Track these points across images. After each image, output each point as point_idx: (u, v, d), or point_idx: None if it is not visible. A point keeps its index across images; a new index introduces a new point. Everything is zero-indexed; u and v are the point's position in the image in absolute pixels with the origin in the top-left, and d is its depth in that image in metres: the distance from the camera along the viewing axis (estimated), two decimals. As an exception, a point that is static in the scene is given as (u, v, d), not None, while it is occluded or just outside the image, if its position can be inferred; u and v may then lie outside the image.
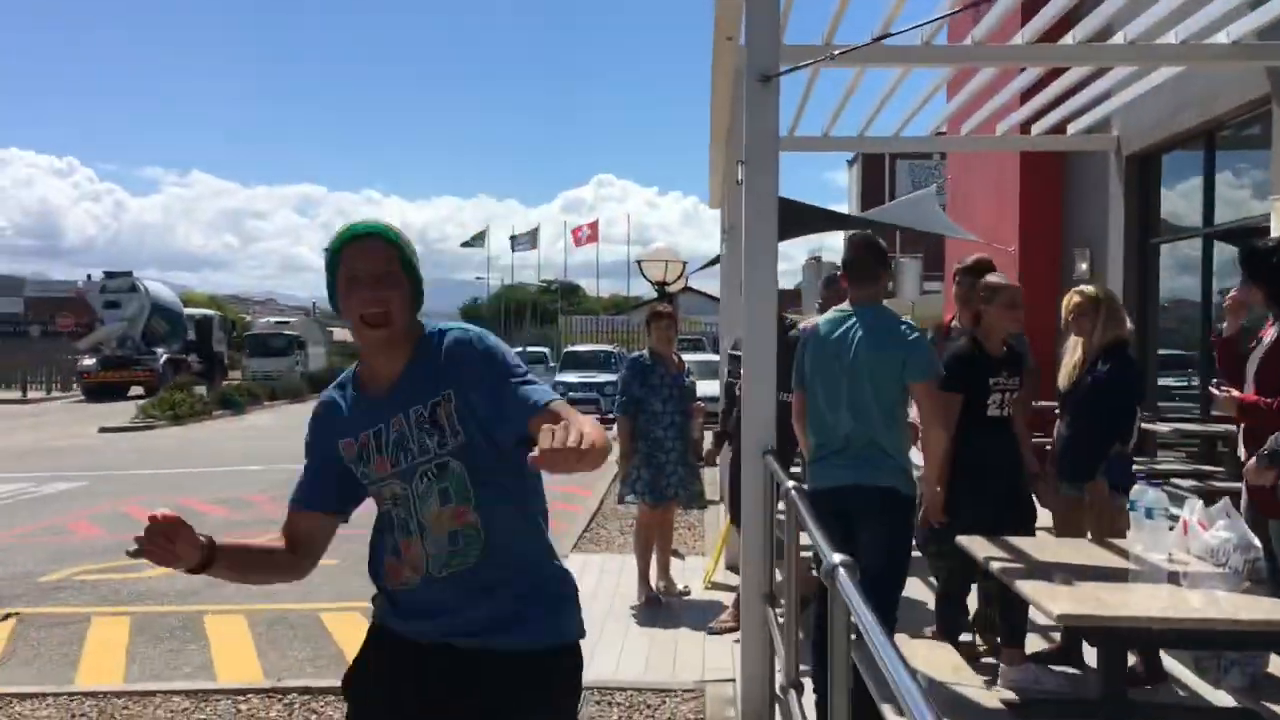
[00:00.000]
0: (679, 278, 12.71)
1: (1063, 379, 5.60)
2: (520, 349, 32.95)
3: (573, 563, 8.28)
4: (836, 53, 5.16)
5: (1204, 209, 9.57)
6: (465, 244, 59.61)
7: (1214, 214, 9.50)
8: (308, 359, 43.58)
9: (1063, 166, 12.69)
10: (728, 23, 5.06)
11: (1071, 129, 11.22)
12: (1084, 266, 11.82)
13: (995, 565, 3.43)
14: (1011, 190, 13.04)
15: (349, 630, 6.72)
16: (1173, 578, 3.33)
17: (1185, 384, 10.74)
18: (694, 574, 7.79)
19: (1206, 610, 2.90)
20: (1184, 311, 10.53)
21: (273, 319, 54.09)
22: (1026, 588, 3.09)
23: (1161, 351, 10.89)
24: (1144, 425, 9.84)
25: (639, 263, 12.69)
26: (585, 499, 11.88)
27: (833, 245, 76.35)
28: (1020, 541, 3.71)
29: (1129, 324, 5.34)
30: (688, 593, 7.26)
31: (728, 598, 7.09)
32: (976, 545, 3.70)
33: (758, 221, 4.46)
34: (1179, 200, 10.47)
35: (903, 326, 4.44)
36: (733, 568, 7.65)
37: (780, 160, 4.43)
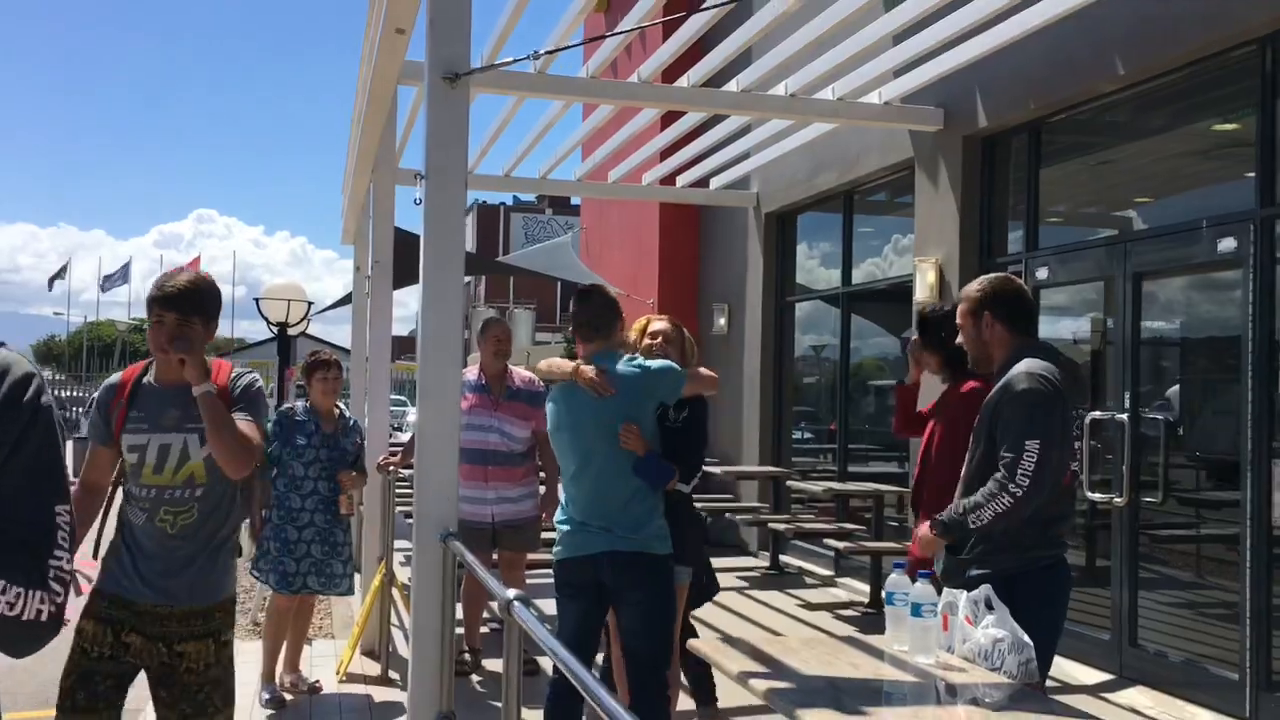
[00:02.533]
0: (303, 319, 11.45)
1: None
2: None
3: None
4: (542, 51, 4.44)
5: (842, 268, 9.75)
6: (53, 278, 53.41)
7: (851, 274, 9.70)
8: None
9: (700, 222, 12.74)
10: (402, 12, 4.19)
11: (714, 184, 11.23)
12: (722, 321, 11.85)
13: (751, 681, 2.76)
14: (651, 243, 12.94)
15: None
16: (949, 690, 2.81)
17: (814, 438, 10.94)
18: (324, 662, 6.66)
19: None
20: (823, 367, 10.73)
21: None
22: (807, 716, 2.44)
23: (797, 408, 11.04)
24: (792, 484, 9.90)
25: (257, 300, 11.30)
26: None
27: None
28: (766, 645, 3.08)
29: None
30: (319, 688, 6.12)
31: (372, 690, 6.06)
32: (719, 654, 3.03)
33: (442, 247, 3.62)
34: (817, 258, 10.68)
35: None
36: (371, 654, 6.61)
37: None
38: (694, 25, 6.61)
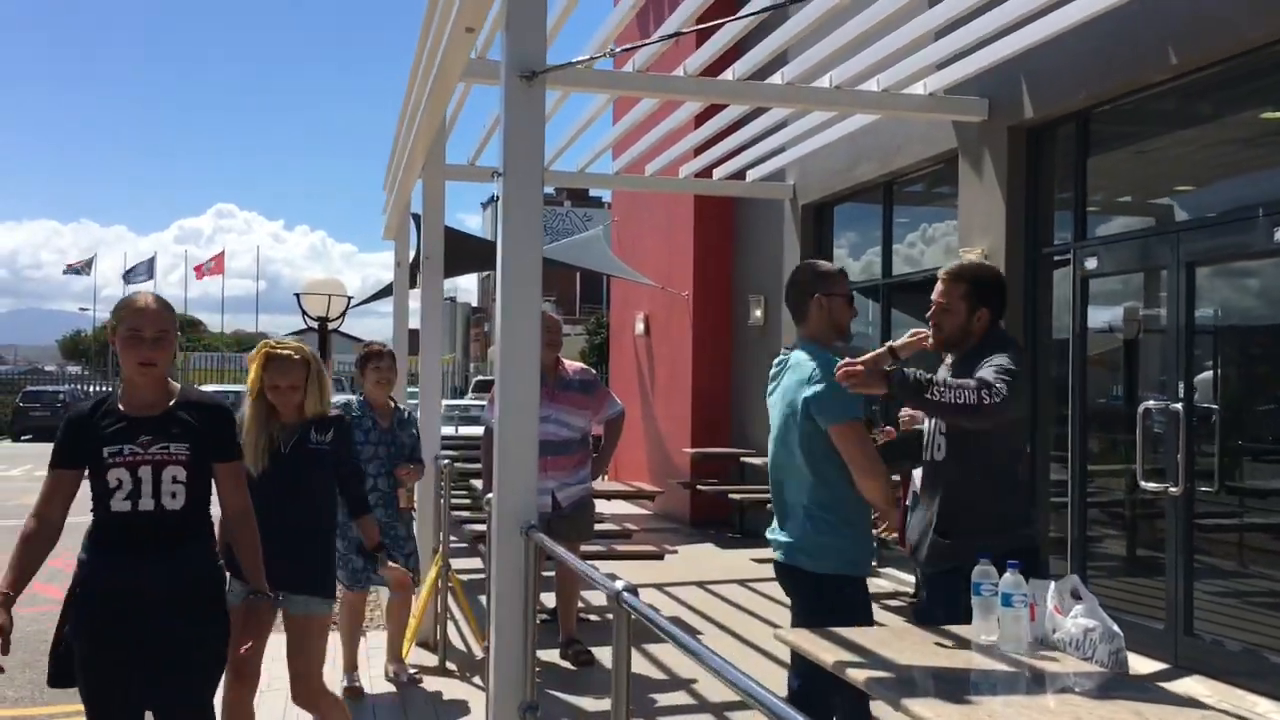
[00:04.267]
0: (341, 314, 11.53)
1: None
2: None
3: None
4: (617, 50, 4.48)
5: (882, 260, 9.75)
6: (70, 269, 53.71)
7: (892, 265, 9.70)
8: None
9: (735, 215, 12.76)
10: (474, 10, 4.22)
11: (750, 177, 11.25)
12: (758, 313, 11.88)
13: (850, 672, 2.80)
14: (685, 236, 12.96)
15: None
16: (1049, 678, 2.85)
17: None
18: (378, 654, 6.73)
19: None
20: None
21: None
22: (914, 706, 2.47)
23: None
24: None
25: (298, 296, 11.37)
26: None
27: (466, 286, 76.02)
28: (857, 635, 3.12)
29: None
30: (419, 680, 6.14)
31: (430, 681, 6.13)
32: (812, 644, 3.06)
33: (521, 243, 3.66)
34: (856, 250, 10.68)
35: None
36: (425, 645, 6.67)
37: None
38: (741, 23, 6.61)
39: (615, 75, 7.03)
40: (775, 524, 3.97)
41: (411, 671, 6.14)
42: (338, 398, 6.41)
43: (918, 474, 4.93)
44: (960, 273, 3.88)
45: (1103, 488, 7.12)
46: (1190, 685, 5.93)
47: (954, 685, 2.75)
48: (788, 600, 4.07)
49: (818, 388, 3.68)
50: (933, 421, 3.81)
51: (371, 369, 6.01)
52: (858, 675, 2.77)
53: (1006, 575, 3.04)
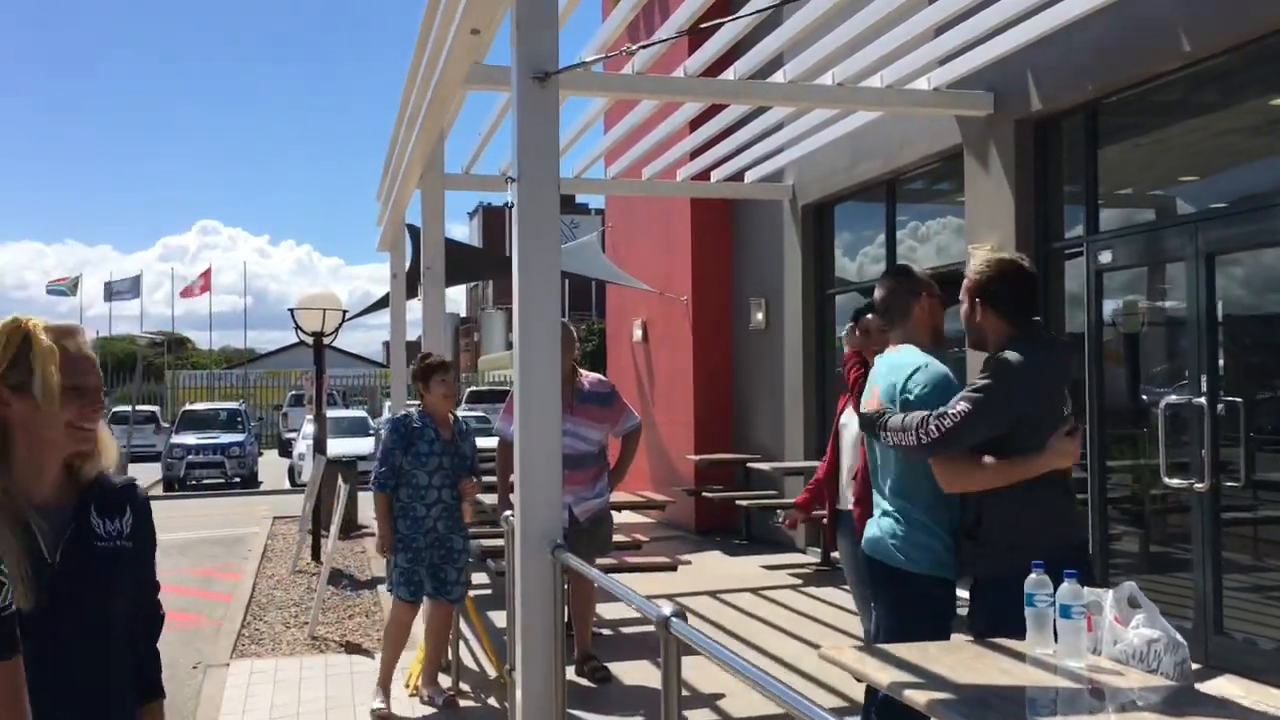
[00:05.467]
0: (336, 328, 11.35)
1: None
2: (126, 408, 29.45)
3: (236, 673, 6.79)
4: (633, 48, 4.34)
5: (886, 258, 9.63)
6: (53, 290, 53.32)
7: (894, 262, 9.57)
8: None
9: (733, 218, 12.62)
10: (481, 13, 4.08)
11: (748, 178, 11.13)
12: (760, 316, 11.75)
13: (907, 693, 2.65)
14: (683, 239, 12.82)
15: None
16: (1104, 695, 2.70)
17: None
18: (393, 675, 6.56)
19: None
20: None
21: None
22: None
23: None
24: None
25: (291, 311, 11.19)
26: (231, 582, 10.17)
27: (454, 297, 75.84)
28: (907, 651, 2.97)
29: None
30: (455, 701, 5.98)
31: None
32: (861, 663, 2.91)
33: (538, 250, 3.51)
34: (856, 249, 10.56)
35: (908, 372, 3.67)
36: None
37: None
38: (744, 21, 6.48)
39: (622, 77, 6.90)
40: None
41: (447, 691, 5.99)
42: (402, 407, 6.14)
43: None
44: (969, 278, 3.70)
45: (1122, 484, 7.00)
46: (1223, 685, 5.79)
47: (1016, 705, 2.61)
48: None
49: (922, 391, 3.59)
50: None
51: (438, 381, 5.81)
52: (916, 696, 2.63)
53: (1064, 586, 2.90)
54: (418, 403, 5.96)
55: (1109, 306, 7.02)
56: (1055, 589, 2.96)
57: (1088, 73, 6.83)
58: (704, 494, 11.60)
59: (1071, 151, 7.38)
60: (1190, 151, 6.86)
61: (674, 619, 2.37)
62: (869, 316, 5.06)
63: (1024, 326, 3.59)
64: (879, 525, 3.72)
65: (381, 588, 6.00)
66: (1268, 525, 6.10)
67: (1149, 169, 7.23)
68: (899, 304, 3.86)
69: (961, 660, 2.97)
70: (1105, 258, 6.90)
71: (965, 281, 3.68)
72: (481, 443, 8.47)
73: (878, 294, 3.94)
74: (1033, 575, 3.04)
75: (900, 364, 3.69)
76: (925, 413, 3.40)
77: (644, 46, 5.27)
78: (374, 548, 6.18)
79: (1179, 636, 2.86)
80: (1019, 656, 3.01)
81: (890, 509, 3.68)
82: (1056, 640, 2.94)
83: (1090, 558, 3.54)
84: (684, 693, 5.88)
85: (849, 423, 5.26)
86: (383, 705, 5.74)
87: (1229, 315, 6.27)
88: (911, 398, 3.55)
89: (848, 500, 5.18)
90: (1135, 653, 2.88)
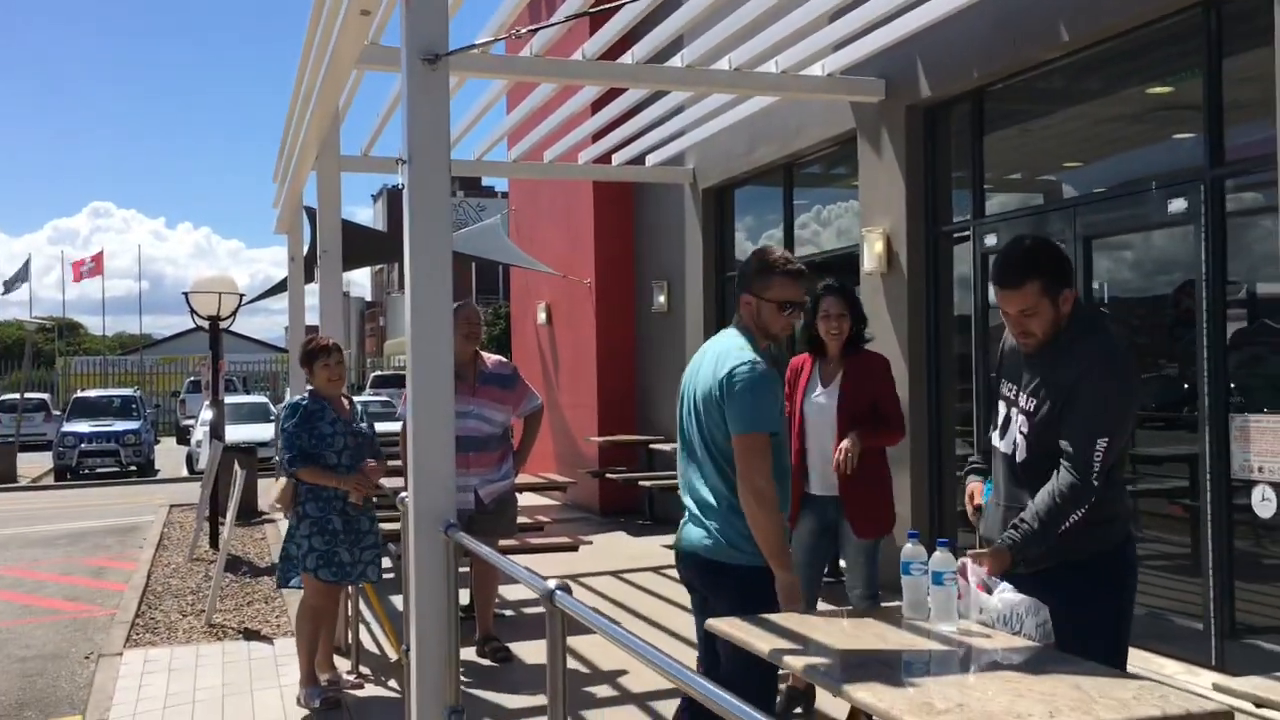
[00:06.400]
0: (234, 312, 11.14)
1: None
2: (14, 396, 28.45)
3: (130, 662, 6.68)
4: (522, 31, 4.35)
5: (783, 241, 9.78)
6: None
7: (793, 246, 9.73)
8: None
9: (635, 201, 12.69)
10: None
11: (650, 161, 11.20)
12: (661, 299, 11.85)
13: (788, 659, 2.75)
14: (585, 223, 12.85)
15: None
16: (980, 656, 2.84)
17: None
18: (289, 660, 6.50)
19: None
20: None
21: None
22: (855, 691, 2.44)
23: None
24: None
25: (186, 295, 10.95)
26: (126, 572, 9.95)
27: (359, 281, 74.65)
28: (788, 621, 3.07)
29: None
30: (360, 684, 5.93)
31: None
32: (745, 633, 3.01)
33: (429, 233, 3.53)
34: (757, 232, 10.71)
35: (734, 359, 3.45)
36: (336, 650, 6.47)
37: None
38: (642, 3, 6.52)
39: (517, 60, 6.90)
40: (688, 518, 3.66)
41: (348, 676, 5.95)
42: (301, 392, 5.94)
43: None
44: (1025, 271, 3.26)
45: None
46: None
47: (892, 668, 2.73)
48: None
49: (739, 386, 3.38)
50: (1013, 419, 3.38)
51: (321, 365, 5.65)
52: (795, 662, 2.73)
53: (936, 554, 3.03)
54: (310, 388, 5.88)
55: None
56: None
57: (973, 61, 7.03)
58: (607, 475, 11.68)
59: (959, 137, 7.59)
60: (1071, 138, 7.11)
61: (559, 592, 2.43)
62: (827, 300, 5.02)
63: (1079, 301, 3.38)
64: (706, 524, 3.58)
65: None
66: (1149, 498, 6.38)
67: (1031, 154, 7.48)
68: (738, 290, 3.66)
69: (841, 629, 3.09)
70: (990, 240, 7.13)
71: (1032, 287, 3.24)
72: (387, 427, 8.44)
73: (741, 270, 3.71)
74: (908, 545, 3.16)
75: (728, 350, 3.51)
76: (1066, 482, 3.11)
77: (537, 29, 5.28)
78: (275, 502, 6.01)
79: (1037, 601, 3.02)
80: (895, 623, 3.14)
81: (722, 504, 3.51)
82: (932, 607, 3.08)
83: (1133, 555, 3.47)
84: (584, 670, 6.00)
85: (823, 402, 5.06)
86: (321, 696, 5.59)
87: (1114, 297, 6.53)
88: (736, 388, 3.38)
89: (826, 484, 5.00)
90: (1000, 616, 3.02)
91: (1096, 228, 6.36)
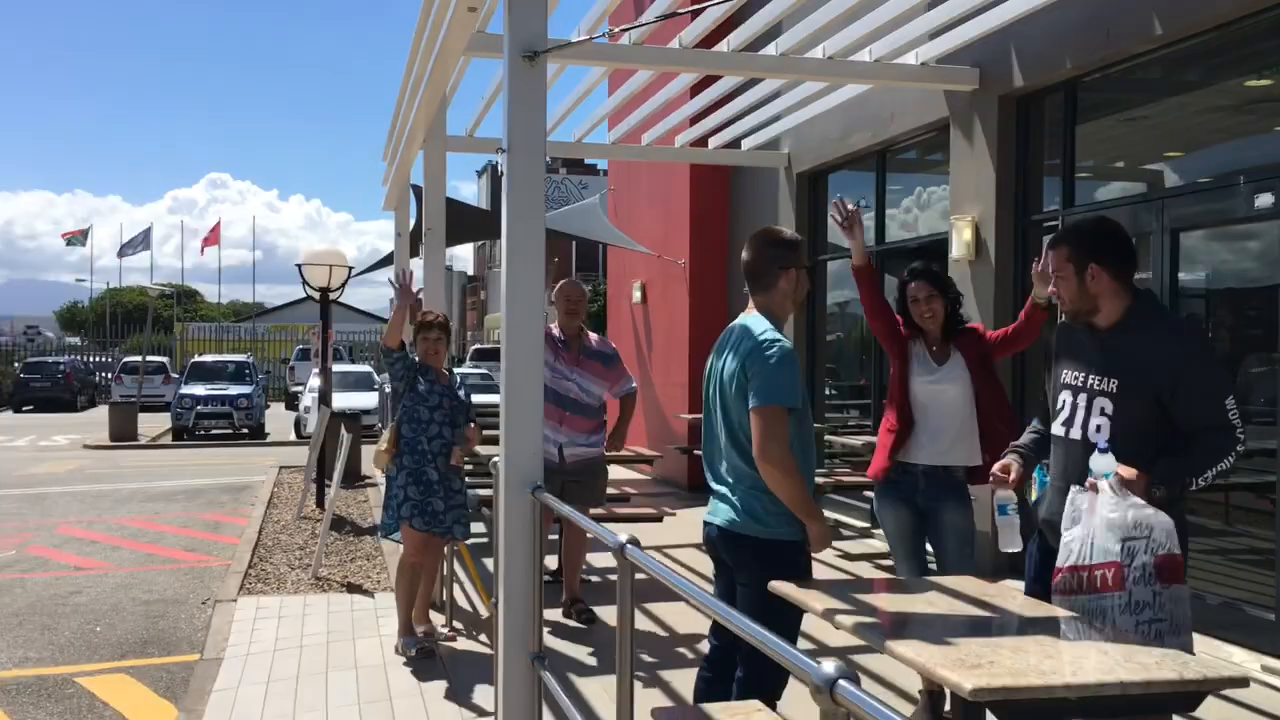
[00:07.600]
0: (343, 284, 11.67)
1: None
2: (136, 358, 29.80)
3: (243, 609, 7.19)
4: (615, 30, 4.62)
5: (875, 226, 9.90)
6: (69, 240, 53.73)
7: (885, 232, 9.86)
8: None
9: (731, 184, 12.88)
10: (475, -11, 4.37)
11: (745, 145, 11.39)
12: (754, 280, 12.01)
13: (837, 617, 2.99)
14: (681, 205, 13.09)
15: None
16: (1006, 620, 3.05)
17: (843, 394, 11.17)
18: (388, 613, 6.93)
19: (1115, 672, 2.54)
20: (846, 324, 10.94)
21: None
22: (915, 654, 2.67)
23: (829, 364, 11.27)
24: (829, 439, 10.15)
25: (299, 266, 11.50)
26: (239, 527, 10.56)
27: (462, 255, 75.93)
28: (847, 586, 3.31)
29: None
30: (454, 637, 6.35)
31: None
32: (802, 594, 3.25)
33: (525, 215, 3.83)
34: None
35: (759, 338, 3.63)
36: (433, 606, 6.86)
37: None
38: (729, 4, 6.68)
39: (614, 49, 7.17)
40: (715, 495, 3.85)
41: (443, 630, 6.34)
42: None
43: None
44: (1059, 235, 3.56)
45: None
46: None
47: (933, 628, 2.95)
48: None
49: (772, 359, 3.55)
50: (1088, 404, 3.44)
51: (421, 338, 6.00)
52: (846, 621, 2.97)
53: (1000, 492, 3.34)
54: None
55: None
56: None
57: (1067, 51, 7.08)
58: (696, 452, 11.90)
59: (1052, 127, 7.64)
60: (1163, 130, 7.12)
61: (629, 546, 2.70)
62: (913, 285, 4.99)
63: (1134, 287, 3.48)
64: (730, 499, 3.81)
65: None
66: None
67: (1123, 145, 7.50)
68: (759, 271, 3.79)
69: (892, 594, 3.32)
70: (1079, 231, 7.17)
71: (1060, 251, 3.48)
72: (487, 399, 8.82)
73: (745, 256, 3.84)
74: (1000, 491, 3.44)
75: (754, 331, 3.66)
76: (1217, 440, 3.29)
77: (628, 29, 5.54)
78: (374, 462, 6.40)
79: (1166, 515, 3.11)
80: (950, 591, 3.35)
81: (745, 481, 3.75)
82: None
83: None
84: (661, 633, 6.28)
85: (938, 385, 4.93)
86: (419, 646, 5.93)
87: (1202, 290, 6.56)
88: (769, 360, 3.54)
89: (934, 455, 4.82)
90: (1134, 523, 3.05)
91: (1184, 220, 6.40)
